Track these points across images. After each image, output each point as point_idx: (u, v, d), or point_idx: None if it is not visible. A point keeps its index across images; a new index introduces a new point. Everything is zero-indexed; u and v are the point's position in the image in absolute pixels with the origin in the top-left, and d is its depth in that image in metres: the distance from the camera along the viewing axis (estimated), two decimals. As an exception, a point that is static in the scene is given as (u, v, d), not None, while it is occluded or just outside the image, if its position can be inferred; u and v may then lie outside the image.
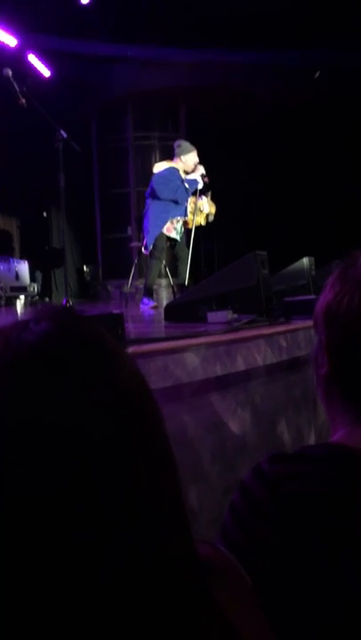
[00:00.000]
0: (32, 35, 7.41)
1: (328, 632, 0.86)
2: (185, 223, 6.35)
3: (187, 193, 6.12)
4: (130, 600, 0.49)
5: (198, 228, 6.67)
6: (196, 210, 6.39)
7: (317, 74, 8.81)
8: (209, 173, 6.33)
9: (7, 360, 0.49)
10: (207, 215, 6.47)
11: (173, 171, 6.20)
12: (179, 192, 6.08)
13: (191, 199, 6.37)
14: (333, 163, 8.93)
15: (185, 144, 6.42)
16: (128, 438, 0.50)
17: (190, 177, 6.19)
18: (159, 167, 6.31)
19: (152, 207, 6.18)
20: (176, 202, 6.11)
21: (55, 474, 0.47)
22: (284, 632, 0.81)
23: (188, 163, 6.21)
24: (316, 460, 0.92)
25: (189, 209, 6.35)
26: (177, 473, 0.55)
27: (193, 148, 6.34)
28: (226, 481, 2.39)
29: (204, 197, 6.46)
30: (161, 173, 6.22)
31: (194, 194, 6.41)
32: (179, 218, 6.19)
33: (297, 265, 4.53)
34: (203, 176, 6.22)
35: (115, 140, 9.46)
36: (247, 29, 7.92)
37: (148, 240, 6.16)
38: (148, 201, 6.28)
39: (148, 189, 6.32)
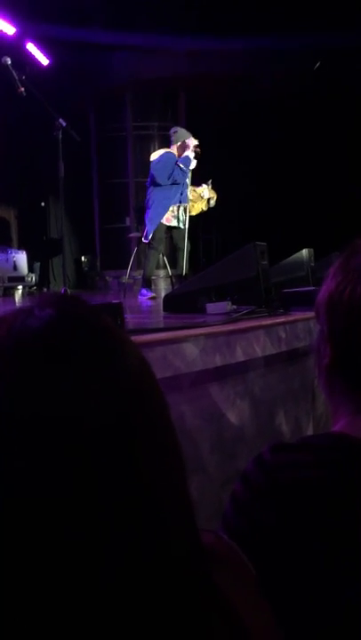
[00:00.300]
0: (31, 23, 7.36)
1: (331, 619, 0.86)
2: (186, 210, 6.34)
3: (184, 172, 6.11)
4: (133, 592, 0.48)
5: (198, 217, 6.66)
6: (197, 197, 6.39)
7: (318, 64, 8.77)
8: (206, 161, 6.33)
9: (10, 346, 0.48)
10: (208, 200, 6.47)
11: (169, 155, 6.24)
12: (175, 172, 6.08)
13: (191, 188, 6.37)
14: (334, 153, 8.90)
15: (181, 130, 6.45)
16: (132, 428, 0.50)
17: (185, 155, 6.20)
18: (156, 155, 6.34)
19: (154, 195, 6.18)
20: (176, 183, 6.09)
21: (57, 464, 0.46)
22: (287, 619, 0.81)
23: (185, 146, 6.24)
24: (318, 449, 0.92)
25: (190, 196, 6.34)
26: (183, 463, 0.54)
27: (189, 133, 6.36)
28: (224, 472, 2.39)
29: (204, 185, 6.47)
30: (157, 159, 6.25)
31: (195, 183, 6.40)
32: (180, 204, 6.17)
33: (296, 256, 4.53)
34: (195, 146, 6.20)
35: (114, 130, 9.42)
36: (247, 16, 7.88)
37: (149, 229, 6.16)
38: (150, 190, 6.28)
39: (148, 179, 6.33)
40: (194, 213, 6.45)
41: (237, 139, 9.25)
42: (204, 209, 6.53)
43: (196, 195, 6.42)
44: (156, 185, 6.17)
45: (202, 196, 6.42)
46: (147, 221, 6.24)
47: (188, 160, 6.19)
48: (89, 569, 0.46)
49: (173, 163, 6.13)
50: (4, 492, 0.45)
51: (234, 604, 0.57)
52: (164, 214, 6.13)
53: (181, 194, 6.14)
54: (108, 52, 8.58)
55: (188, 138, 6.30)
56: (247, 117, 9.31)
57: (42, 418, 0.46)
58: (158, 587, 0.49)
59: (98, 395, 0.48)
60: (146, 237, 6.22)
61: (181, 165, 6.11)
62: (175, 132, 6.43)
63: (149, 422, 0.52)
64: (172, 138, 6.40)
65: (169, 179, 6.10)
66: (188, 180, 6.24)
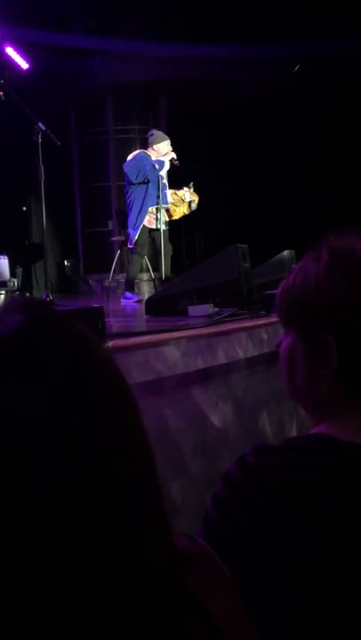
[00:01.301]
0: (10, 27, 7.32)
1: (315, 621, 0.86)
2: (168, 214, 6.35)
3: (154, 171, 6.12)
4: (106, 596, 0.48)
5: (180, 220, 6.67)
6: (179, 200, 6.40)
7: (297, 67, 8.82)
8: (188, 165, 6.35)
9: None
10: (190, 203, 6.49)
11: (142, 154, 6.28)
12: (147, 168, 6.11)
13: (172, 191, 6.38)
14: (314, 156, 8.95)
15: (158, 133, 6.49)
16: (103, 431, 0.49)
17: (160, 159, 6.22)
18: (130, 156, 6.39)
19: (131, 198, 6.22)
20: (147, 182, 6.10)
21: (30, 469, 0.45)
22: (269, 623, 0.81)
23: (161, 151, 6.29)
24: (302, 451, 0.92)
25: (172, 200, 6.35)
26: (156, 468, 0.54)
27: (166, 137, 6.41)
28: (208, 474, 2.39)
29: (185, 188, 6.49)
30: (130, 159, 6.31)
31: (176, 187, 6.41)
32: (158, 206, 6.17)
33: (278, 258, 4.54)
34: (173, 159, 6.25)
35: (95, 134, 9.40)
36: (228, 22, 7.91)
37: (132, 234, 6.16)
38: (127, 193, 6.30)
39: (125, 182, 6.36)
40: (176, 217, 6.46)
41: (219, 142, 9.27)
42: (186, 212, 6.55)
43: (177, 198, 6.43)
44: (131, 185, 6.19)
45: (183, 199, 6.44)
46: (129, 226, 6.25)
47: (161, 163, 6.21)
48: (63, 572, 0.46)
49: (145, 161, 6.16)
50: None
51: (208, 607, 0.56)
52: (144, 216, 6.13)
53: (158, 196, 6.14)
54: (89, 56, 8.56)
55: (164, 140, 6.34)
56: (228, 121, 9.34)
57: (16, 419, 0.45)
58: (131, 589, 0.49)
59: (70, 396, 0.48)
60: (130, 243, 6.22)
61: (157, 166, 6.13)
62: (152, 135, 6.48)
63: (120, 426, 0.51)
64: (149, 140, 6.45)
65: (137, 177, 6.12)
66: (165, 182, 6.24)
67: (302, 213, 8.33)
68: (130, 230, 6.24)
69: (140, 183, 6.16)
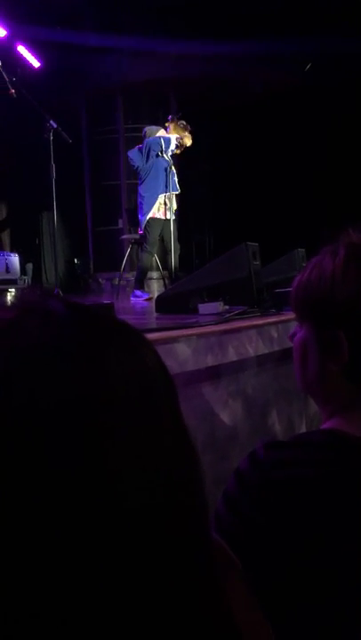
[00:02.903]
0: (21, 25, 7.34)
1: (323, 614, 0.86)
2: (182, 145, 6.30)
3: (159, 146, 6.13)
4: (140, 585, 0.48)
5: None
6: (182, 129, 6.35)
7: (308, 66, 8.79)
8: (198, 163, 6.34)
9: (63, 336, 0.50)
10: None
11: (139, 146, 6.30)
12: (150, 141, 6.16)
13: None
14: (325, 155, 8.92)
15: (150, 127, 6.51)
16: (158, 408, 0.52)
17: (165, 135, 6.23)
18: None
19: (141, 188, 6.20)
20: (157, 156, 6.09)
21: (86, 449, 0.47)
22: (278, 615, 0.81)
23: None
24: (312, 446, 0.92)
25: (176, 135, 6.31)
26: (198, 455, 0.56)
27: (160, 127, 6.41)
28: (217, 471, 2.39)
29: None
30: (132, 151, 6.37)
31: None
32: (167, 193, 6.14)
33: (288, 256, 4.53)
34: (177, 138, 6.24)
35: (105, 132, 9.41)
36: (237, 20, 7.89)
37: (142, 219, 6.17)
38: (139, 187, 6.31)
39: (138, 178, 6.37)
40: (189, 143, 6.39)
41: (229, 140, 9.26)
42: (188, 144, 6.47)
43: (180, 130, 6.36)
44: (139, 176, 6.19)
45: (186, 129, 6.37)
46: (140, 215, 6.25)
47: (168, 139, 6.18)
48: (104, 554, 0.47)
49: (146, 142, 6.21)
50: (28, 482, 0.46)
51: (228, 602, 0.57)
52: (153, 202, 6.09)
53: (168, 183, 6.12)
54: (99, 54, 8.57)
55: (159, 130, 6.35)
56: (238, 119, 9.32)
57: (72, 402, 0.47)
58: (169, 570, 0.50)
59: (129, 380, 0.50)
60: (140, 228, 6.23)
61: (161, 140, 6.12)
62: (145, 133, 6.48)
63: (171, 405, 0.54)
64: (145, 135, 6.45)
65: (143, 156, 6.14)
66: (174, 170, 6.22)
67: (313, 211, 8.30)
68: (140, 217, 6.24)
69: (148, 169, 6.12)
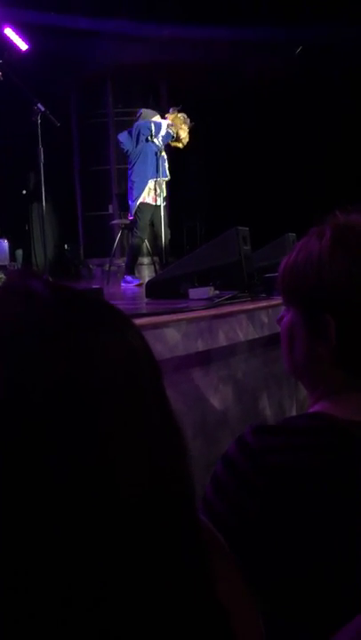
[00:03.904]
0: (8, 8, 7.24)
1: (313, 599, 0.86)
2: (177, 140, 6.27)
3: (149, 130, 6.10)
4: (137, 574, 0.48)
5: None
6: (182, 121, 6.31)
7: (299, 49, 8.74)
8: (190, 149, 6.31)
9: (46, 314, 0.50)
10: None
11: (129, 130, 6.26)
12: (140, 124, 6.14)
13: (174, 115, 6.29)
14: (315, 140, 8.89)
15: (146, 110, 6.48)
16: (142, 392, 0.52)
17: (156, 120, 6.20)
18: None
19: (132, 172, 6.14)
20: (146, 140, 6.05)
21: (77, 428, 0.47)
22: (269, 599, 0.80)
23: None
24: (301, 431, 0.91)
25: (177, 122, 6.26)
26: (184, 437, 0.56)
27: (156, 112, 6.37)
28: (208, 456, 2.39)
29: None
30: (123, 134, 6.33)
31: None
32: (157, 178, 6.10)
33: (279, 241, 4.52)
34: (169, 125, 6.21)
35: (95, 116, 9.33)
36: (229, 5, 7.82)
37: (132, 205, 6.13)
38: (129, 172, 6.27)
39: (128, 161, 6.33)
40: (183, 135, 6.33)
41: (220, 126, 9.21)
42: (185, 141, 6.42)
43: (179, 121, 6.30)
44: (129, 157, 6.17)
45: (185, 121, 6.32)
46: (130, 200, 6.21)
47: (158, 124, 6.14)
48: (102, 526, 0.47)
49: (136, 125, 6.18)
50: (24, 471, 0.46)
51: (216, 588, 0.56)
52: (143, 187, 6.04)
53: (158, 170, 6.08)
54: (89, 37, 8.47)
55: (155, 115, 6.30)
56: (229, 105, 9.27)
57: (65, 383, 0.47)
58: (160, 560, 0.49)
59: (110, 359, 0.50)
60: (131, 213, 6.19)
61: (152, 124, 6.08)
62: (140, 113, 6.42)
63: (156, 387, 0.54)
64: (139, 117, 6.41)
65: (132, 140, 6.10)
66: (164, 155, 6.18)
67: (304, 196, 8.29)
68: (130, 202, 6.20)
69: (137, 153, 6.07)
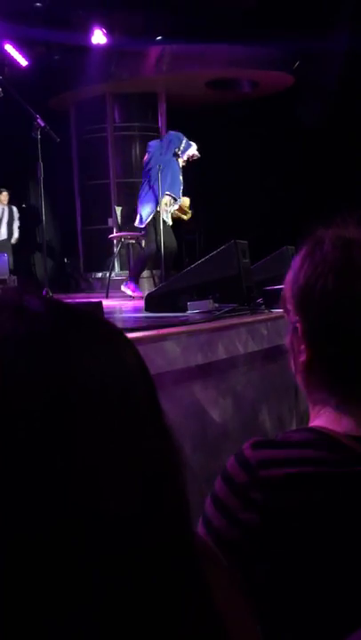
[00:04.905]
0: (9, 24, 7.31)
1: (316, 614, 0.86)
2: (180, 212, 6.32)
3: (180, 142, 6.21)
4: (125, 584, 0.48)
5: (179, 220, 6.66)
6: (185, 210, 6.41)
7: (297, 64, 8.81)
8: (189, 164, 6.36)
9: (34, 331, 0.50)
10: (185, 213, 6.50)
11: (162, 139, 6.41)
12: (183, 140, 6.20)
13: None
14: (313, 153, 8.94)
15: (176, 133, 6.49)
16: (137, 406, 0.51)
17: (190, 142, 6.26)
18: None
19: (150, 180, 6.11)
20: (177, 155, 6.11)
21: (60, 437, 0.46)
22: (267, 615, 0.80)
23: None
24: (299, 445, 0.91)
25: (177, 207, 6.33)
26: (180, 454, 0.55)
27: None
28: (207, 470, 2.39)
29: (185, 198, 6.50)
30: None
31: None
32: (172, 195, 6.12)
33: (278, 254, 4.53)
34: (193, 155, 6.31)
35: (94, 131, 9.39)
36: (227, 20, 7.89)
37: (143, 214, 6.10)
38: (150, 175, 6.17)
39: (146, 166, 6.27)
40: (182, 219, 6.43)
41: (219, 139, 9.27)
42: (185, 218, 6.53)
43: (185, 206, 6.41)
44: (148, 164, 6.18)
45: (188, 210, 6.43)
46: (144, 208, 6.14)
47: (189, 145, 6.19)
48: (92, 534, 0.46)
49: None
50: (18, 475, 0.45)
51: (213, 601, 0.56)
52: (161, 197, 5.99)
53: (177, 186, 6.07)
54: (89, 53, 8.55)
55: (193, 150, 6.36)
56: (227, 119, 9.33)
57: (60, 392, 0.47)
58: (152, 570, 0.49)
59: (104, 373, 0.50)
60: (142, 221, 6.15)
61: (184, 141, 6.14)
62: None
63: (151, 405, 0.53)
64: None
65: (162, 148, 6.16)
66: (180, 177, 6.21)
67: (302, 209, 8.32)
68: (146, 210, 6.09)
69: (164, 162, 6.03)
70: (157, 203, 5.99)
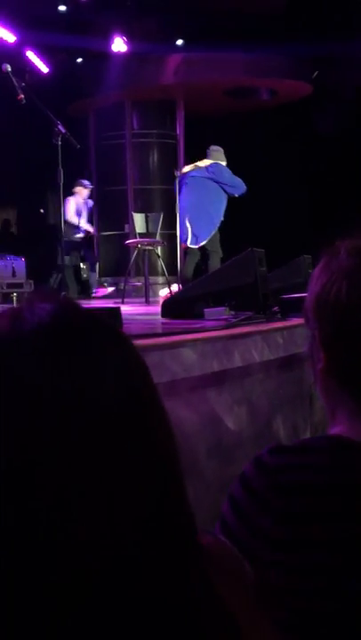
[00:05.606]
0: (30, 31, 7.38)
1: (331, 622, 0.86)
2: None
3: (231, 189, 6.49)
4: (127, 587, 0.48)
5: None
6: None
7: (316, 73, 8.81)
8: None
9: (25, 336, 0.50)
10: None
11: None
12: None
13: None
14: (332, 161, 8.92)
15: (220, 151, 6.69)
16: (143, 404, 0.52)
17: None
18: (208, 162, 6.47)
19: (216, 206, 6.19)
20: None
21: (73, 445, 0.47)
22: (287, 623, 0.81)
23: None
24: (317, 451, 0.92)
25: None
26: (178, 454, 0.55)
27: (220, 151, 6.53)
28: (221, 477, 2.39)
29: None
30: (225, 168, 6.54)
31: None
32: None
33: (294, 263, 4.53)
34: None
35: (112, 137, 9.44)
36: (245, 24, 7.91)
37: (205, 237, 6.16)
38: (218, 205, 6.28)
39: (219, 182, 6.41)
40: None
41: (235, 147, 9.28)
42: None
43: None
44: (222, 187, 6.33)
45: None
46: (199, 225, 6.25)
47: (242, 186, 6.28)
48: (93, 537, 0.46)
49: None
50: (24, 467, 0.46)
51: (230, 605, 0.56)
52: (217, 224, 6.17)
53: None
54: (108, 59, 8.61)
55: (223, 160, 6.46)
56: (245, 126, 9.34)
57: (65, 394, 0.47)
58: (158, 571, 0.49)
59: (108, 370, 0.50)
60: (197, 242, 6.25)
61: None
62: (215, 150, 6.64)
63: (152, 396, 0.53)
64: (212, 153, 6.59)
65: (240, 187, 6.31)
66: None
67: (319, 218, 8.31)
68: (201, 231, 6.21)
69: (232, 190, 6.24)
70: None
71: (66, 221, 7.50)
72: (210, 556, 0.59)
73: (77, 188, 8.14)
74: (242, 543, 0.88)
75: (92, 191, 9.22)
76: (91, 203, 8.43)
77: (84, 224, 8.13)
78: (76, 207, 8.07)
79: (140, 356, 0.55)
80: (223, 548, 0.67)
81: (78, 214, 8.04)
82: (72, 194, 7.97)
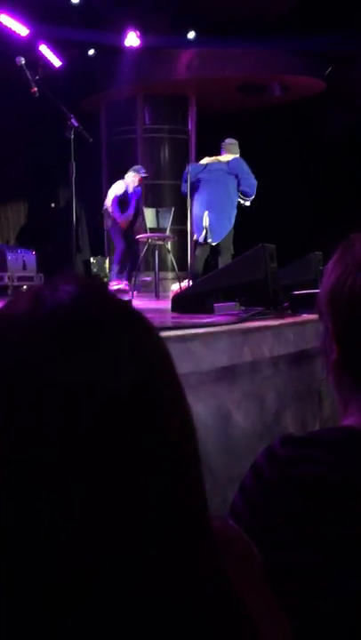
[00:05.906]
0: (43, 25, 7.39)
1: (336, 613, 0.86)
2: None
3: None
4: (138, 574, 0.48)
5: None
6: None
7: (329, 69, 8.77)
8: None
9: (42, 317, 0.49)
10: None
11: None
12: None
13: None
14: (344, 158, 8.88)
15: (235, 144, 6.59)
16: (159, 394, 0.50)
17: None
18: (228, 157, 6.38)
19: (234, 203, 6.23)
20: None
21: (87, 433, 0.46)
22: (292, 609, 0.81)
23: None
24: (329, 443, 0.92)
25: None
26: (197, 443, 0.55)
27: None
28: (230, 472, 2.39)
29: None
30: (243, 163, 6.45)
31: None
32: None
33: (304, 260, 4.52)
34: None
35: (124, 132, 9.44)
36: (258, 18, 7.89)
37: (224, 233, 6.16)
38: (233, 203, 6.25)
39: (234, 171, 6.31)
40: None
41: (246, 143, 9.26)
42: None
43: None
44: (227, 184, 6.27)
45: None
46: (227, 224, 6.22)
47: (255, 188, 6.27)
48: (104, 527, 0.46)
49: None
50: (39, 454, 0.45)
51: (239, 589, 0.56)
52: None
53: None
54: (120, 54, 8.60)
55: (237, 153, 6.40)
56: (256, 122, 9.31)
57: (77, 384, 0.46)
58: (170, 559, 0.49)
59: (126, 361, 0.49)
60: (222, 236, 6.25)
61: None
62: (231, 144, 6.53)
63: (172, 389, 0.52)
64: (227, 147, 6.51)
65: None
66: None
67: (330, 215, 8.27)
68: (219, 228, 6.20)
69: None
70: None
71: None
72: (218, 540, 0.59)
73: (128, 174, 7.64)
74: (253, 531, 0.89)
75: (102, 186, 9.20)
76: (139, 191, 7.81)
77: (115, 212, 7.58)
78: (116, 195, 7.50)
79: (164, 345, 0.54)
80: (232, 533, 0.68)
81: (117, 202, 7.49)
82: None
